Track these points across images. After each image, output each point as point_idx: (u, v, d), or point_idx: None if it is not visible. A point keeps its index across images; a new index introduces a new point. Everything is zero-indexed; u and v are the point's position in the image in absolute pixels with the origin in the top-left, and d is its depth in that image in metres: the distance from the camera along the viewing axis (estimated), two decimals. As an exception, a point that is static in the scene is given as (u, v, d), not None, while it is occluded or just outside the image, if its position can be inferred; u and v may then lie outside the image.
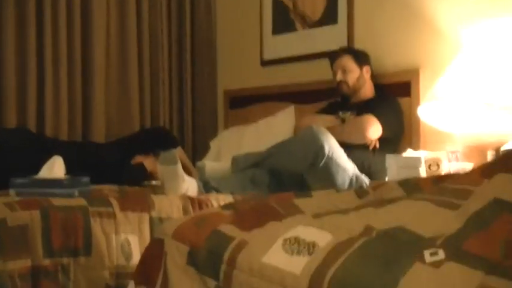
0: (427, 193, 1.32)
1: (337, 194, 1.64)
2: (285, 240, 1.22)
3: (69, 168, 2.73)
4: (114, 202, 2.47)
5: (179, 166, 2.81)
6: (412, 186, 1.50)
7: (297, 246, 1.19)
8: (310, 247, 1.16)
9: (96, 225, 2.36)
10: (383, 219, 1.17)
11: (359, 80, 3.42)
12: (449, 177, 1.50)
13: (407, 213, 1.17)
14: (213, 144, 4.18)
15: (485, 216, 1.04)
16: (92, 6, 4.09)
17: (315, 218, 1.32)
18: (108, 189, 2.86)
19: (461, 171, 2.64)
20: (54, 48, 3.93)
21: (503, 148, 2.63)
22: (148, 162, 3.43)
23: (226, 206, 1.67)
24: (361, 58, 3.45)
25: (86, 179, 2.62)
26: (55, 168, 2.63)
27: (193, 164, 3.80)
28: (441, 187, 1.31)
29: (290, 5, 4.08)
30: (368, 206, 1.35)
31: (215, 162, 3.39)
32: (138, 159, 3.53)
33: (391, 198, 1.39)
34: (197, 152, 4.54)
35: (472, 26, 3.10)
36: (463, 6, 3.15)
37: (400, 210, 1.19)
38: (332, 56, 3.52)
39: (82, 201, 2.41)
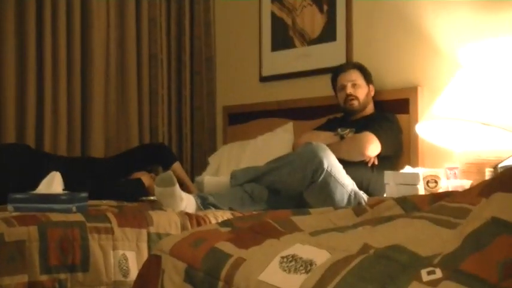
0: (424, 211, 1.31)
1: (335, 212, 1.64)
2: (283, 258, 1.22)
3: (68, 184, 2.72)
4: (112, 218, 2.46)
5: (176, 187, 2.79)
6: (409, 204, 1.50)
7: (294, 264, 1.18)
8: (308, 265, 1.15)
9: (93, 241, 2.35)
10: (380, 237, 1.17)
11: (367, 96, 3.41)
12: (447, 195, 1.50)
13: (404, 231, 1.16)
14: (212, 160, 4.17)
15: (483, 236, 1.03)
16: (92, 23, 4.11)
17: (313, 236, 1.32)
18: (106, 205, 2.85)
19: (460, 189, 2.64)
20: (53, 63, 3.95)
21: (501, 165, 2.62)
22: (146, 178, 3.43)
23: (224, 223, 1.67)
24: (368, 76, 3.44)
25: (83, 195, 2.61)
26: (53, 183, 2.62)
27: (192, 180, 3.79)
28: (439, 205, 1.31)
29: (289, 22, 4.10)
30: (365, 224, 1.34)
31: (214, 177, 3.39)
32: (137, 174, 3.53)
33: (388, 216, 1.38)
34: (196, 168, 4.54)
35: (471, 44, 3.11)
36: (462, 25, 3.17)
37: (397, 228, 1.19)
38: (339, 69, 3.49)
39: (80, 217, 2.40)
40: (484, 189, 1.21)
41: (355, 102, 3.38)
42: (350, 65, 3.49)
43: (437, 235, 1.12)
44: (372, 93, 3.44)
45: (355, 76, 3.40)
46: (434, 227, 1.15)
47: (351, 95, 3.38)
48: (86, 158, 3.93)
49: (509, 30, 2.97)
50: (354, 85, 3.39)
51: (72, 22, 4.04)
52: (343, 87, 3.42)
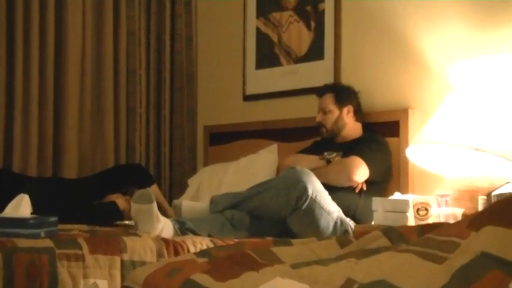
0: (411, 244, 1.32)
1: (318, 243, 1.63)
2: (262, 292, 1.21)
3: (37, 207, 2.70)
4: (83, 244, 2.44)
5: (154, 205, 2.80)
6: (396, 236, 1.50)
7: (273, 299, 1.17)
8: (288, 300, 1.15)
9: (63, 268, 2.32)
10: (365, 271, 1.17)
11: (337, 121, 3.43)
12: (435, 226, 1.50)
13: (390, 265, 1.16)
14: (192, 182, 4.17)
15: (472, 271, 1.03)
16: (66, 35, 4.11)
17: (294, 269, 1.32)
18: (78, 230, 2.83)
19: (451, 217, 2.65)
20: (24, 76, 3.95)
21: (494, 193, 2.63)
22: (121, 201, 3.41)
23: (201, 253, 1.66)
24: (343, 97, 3.44)
25: (53, 219, 2.59)
26: (21, 206, 2.60)
27: (170, 202, 3.78)
28: (426, 238, 1.31)
29: (275, 39, 4.12)
30: (350, 257, 1.34)
31: (192, 202, 3.38)
32: (111, 197, 3.51)
33: (374, 249, 1.38)
34: (175, 190, 4.53)
35: (464, 63, 3.14)
36: (454, 43, 3.20)
37: (383, 262, 1.19)
38: (317, 94, 3.54)
39: (49, 243, 2.38)
40: (473, 222, 1.21)
41: (323, 130, 3.47)
42: (325, 89, 3.52)
43: (425, 270, 1.12)
44: (349, 115, 3.42)
45: (326, 102, 3.45)
46: (421, 261, 1.15)
47: (319, 122, 3.46)
48: (57, 179, 3.91)
49: (503, 47, 3.00)
50: (324, 112, 3.45)
51: (45, 34, 4.03)
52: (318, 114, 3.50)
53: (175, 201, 3.41)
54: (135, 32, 4.46)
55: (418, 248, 1.22)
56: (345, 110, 3.43)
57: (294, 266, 1.32)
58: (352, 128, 3.45)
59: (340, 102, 3.43)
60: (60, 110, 4.10)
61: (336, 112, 3.43)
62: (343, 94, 3.46)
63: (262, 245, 1.64)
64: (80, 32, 4.20)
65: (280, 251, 1.54)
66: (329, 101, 3.44)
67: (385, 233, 1.56)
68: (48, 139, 4.02)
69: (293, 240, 1.73)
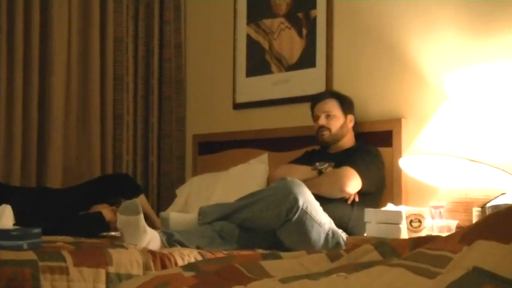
0: (402, 258, 1.32)
1: (308, 256, 1.64)
2: (249, 307, 1.21)
3: (20, 218, 2.69)
4: (68, 256, 2.43)
5: (141, 217, 2.79)
6: (388, 249, 1.50)
7: (261, 314, 1.17)
8: (276, 316, 1.15)
9: (46, 281, 2.31)
10: (355, 286, 1.17)
11: (342, 128, 3.43)
12: (428, 240, 1.51)
13: (381, 280, 1.16)
14: (180, 192, 4.16)
15: (464, 286, 1.04)
16: (51, 40, 4.11)
17: (283, 283, 1.31)
18: (62, 242, 2.82)
19: (445, 229, 2.66)
20: (8, 82, 3.93)
21: (489, 205, 2.64)
22: (107, 212, 3.40)
23: (189, 267, 1.66)
24: (347, 105, 3.47)
25: (37, 230, 2.58)
26: (3, 217, 2.59)
27: (158, 213, 3.77)
28: (417, 252, 1.31)
29: (266, 46, 4.13)
30: (340, 271, 1.35)
31: (181, 214, 3.37)
32: (97, 207, 3.50)
33: (365, 263, 1.38)
34: (162, 201, 4.53)
35: (459, 72, 3.16)
36: (448, 51, 3.21)
37: (373, 276, 1.19)
38: (315, 98, 3.52)
39: (31, 255, 2.37)
40: (465, 236, 1.22)
41: (326, 133, 3.43)
42: (327, 94, 3.53)
43: (416, 285, 1.12)
44: (351, 124, 3.46)
45: (330, 106, 3.44)
46: (412, 275, 1.16)
47: (323, 126, 3.42)
48: (41, 189, 3.89)
49: (499, 55, 3.02)
50: (328, 116, 3.42)
51: (29, 38, 4.02)
52: (317, 118, 3.46)
53: (162, 214, 3.41)
54: (123, 38, 4.46)
55: (409, 263, 1.22)
56: (349, 118, 3.45)
57: (283, 281, 1.32)
58: (348, 137, 3.47)
59: (345, 109, 3.44)
60: (44, 118, 4.09)
61: (342, 118, 3.43)
62: (347, 102, 3.47)
63: (250, 258, 1.64)
64: (66, 38, 4.19)
65: (269, 264, 1.54)
66: (333, 105, 3.44)
67: (376, 247, 1.56)
68: (32, 148, 4.01)
69: (282, 254, 1.74)
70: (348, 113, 3.45)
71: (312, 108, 3.53)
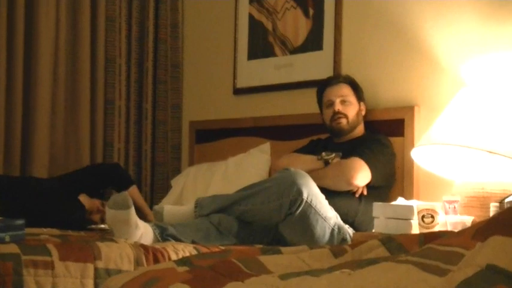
0: (411, 254, 1.32)
1: (310, 252, 1.64)
2: (246, 305, 1.22)
3: (3, 209, 2.70)
4: (53, 249, 2.44)
5: (132, 211, 2.79)
6: (395, 246, 1.50)
7: (258, 312, 1.18)
8: (274, 314, 1.15)
9: (29, 276, 2.32)
10: (359, 284, 1.17)
11: (358, 115, 3.43)
12: (439, 235, 1.51)
13: (387, 277, 1.16)
14: (175, 183, 4.17)
15: (476, 285, 1.04)
16: (38, 20, 4.11)
17: (282, 280, 1.32)
18: (47, 234, 2.83)
19: (460, 225, 2.66)
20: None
21: (508, 200, 2.64)
22: (84, 199, 3.40)
23: (182, 261, 1.66)
24: (360, 92, 3.47)
25: (20, 222, 2.59)
26: (-16, 208, 2.60)
27: (151, 206, 3.78)
28: (427, 248, 1.31)
29: (269, 27, 4.12)
30: (344, 268, 1.35)
31: (175, 206, 3.38)
32: (83, 199, 3.50)
33: (370, 259, 1.38)
34: (156, 193, 4.54)
35: (476, 59, 3.15)
36: (466, 37, 3.20)
37: (379, 273, 1.19)
38: (326, 82, 3.51)
39: (14, 248, 2.37)
40: (479, 231, 1.22)
41: (344, 121, 3.40)
42: (340, 78, 3.51)
43: (424, 283, 1.12)
44: (363, 113, 3.46)
45: (346, 91, 3.42)
46: (421, 272, 1.16)
47: (339, 112, 3.39)
48: (26, 178, 3.89)
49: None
50: (343, 101, 3.40)
51: (14, 16, 4.01)
52: (331, 103, 3.43)
53: (156, 207, 3.42)
54: (115, 18, 4.45)
55: (418, 259, 1.23)
56: (362, 105, 3.46)
57: (283, 277, 1.33)
58: (359, 127, 3.47)
59: (359, 96, 3.45)
60: (29, 102, 4.09)
61: (356, 105, 3.43)
62: (359, 89, 3.47)
63: (248, 253, 1.64)
64: (53, 16, 4.18)
65: (268, 260, 1.54)
66: (349, 91, 3.43)
67: (383, 242, 1.56)
68: (16, 134, 4.01)
69: (282, 249, 1.74)
70: (361, 100, 3.45)
71: (321, 93, 3.51)
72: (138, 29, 4.58)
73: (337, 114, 3.40)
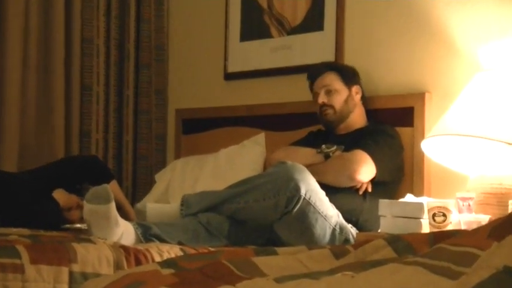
0: (420, 255, 1.33)
1: (309, 252, 1.65)
2: (238, 311, 1.22)
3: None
4: (23, 252, 2.44)
5: (112, 205, 2.80)
6: (403, 246, 1.51)
7: (251, 319, 1.19)
8: (269, 321, 1.16)
9: (-3, 281, 2.33)
10: (362, 287, 1.18)
11: (347, 102, 3.45)
12: (451, 234, 1.51)
13: (393, 280, 1.17)
14: (160, 178, 4.18)
15: (492, 289, 1.05)
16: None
17: (278, 283, 1.32)
18: (17, 235, 2.82)
19: (475, 225, 2.67)
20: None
21: (527, 197, 2.66)
22: (60, 195, 3.39)
23: (166, 263, 1.67)
24: (349, 76, 3.49)
25: (-13, 221, 2.59)
26: None
27: (133, 203, 3.78)
28: (439, 248, 1.32)
29: (264, 5, 4.12)
30: (346, 270, 1.36)
31: (160, 204, 3.39)
32: (60, 195, 3.50)
33: (375, 261, 1.39)
34: (139, 188, 4.54)
35: (495, 42, 3.15)
36: (483, 18, 3.21)
37: (384, 276, 1.20)
38: (312, 74, 3.56)
39: (-20, 250, 2.38)
40: (495, 230, 1.23)
41: (330, 112, 3.46)
42: (322, 67, 3.55)
43: (433, 286, 1.13)
44: (358, 96, 3.47)
45: (330, 80, 3.47)
46: (430, 275, 1.16)
47: (324, 104, 3.46)
48: (-7, 172, 3.89)
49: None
50: (328, 91, 3.46)
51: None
52: (316, 96, 3.48)
53: (138, 205, 3.43)
54: (93, -8, 4.45)
55: (427, 260, 1.23)
56: (354, 89, 3.47)
57: (278, 280, 1.33)
58: (358, 114, 3.49)
59: (348, 81, 3.46)
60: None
61: (345, 91, 3.46)
62: (348, 72, 3.49)
63: (240, 254, 1.65)
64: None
65: (262, 261, 1.55)
66: (333, 78, 3.46)
67: (389, 242, 1.57)
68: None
69: (278, 249, 1.75)
70: (351, 84, 3.47)
71: (311, 87, 3.57)
72: (118, 5, 4.57)
73: (322, 107, 3.46)
